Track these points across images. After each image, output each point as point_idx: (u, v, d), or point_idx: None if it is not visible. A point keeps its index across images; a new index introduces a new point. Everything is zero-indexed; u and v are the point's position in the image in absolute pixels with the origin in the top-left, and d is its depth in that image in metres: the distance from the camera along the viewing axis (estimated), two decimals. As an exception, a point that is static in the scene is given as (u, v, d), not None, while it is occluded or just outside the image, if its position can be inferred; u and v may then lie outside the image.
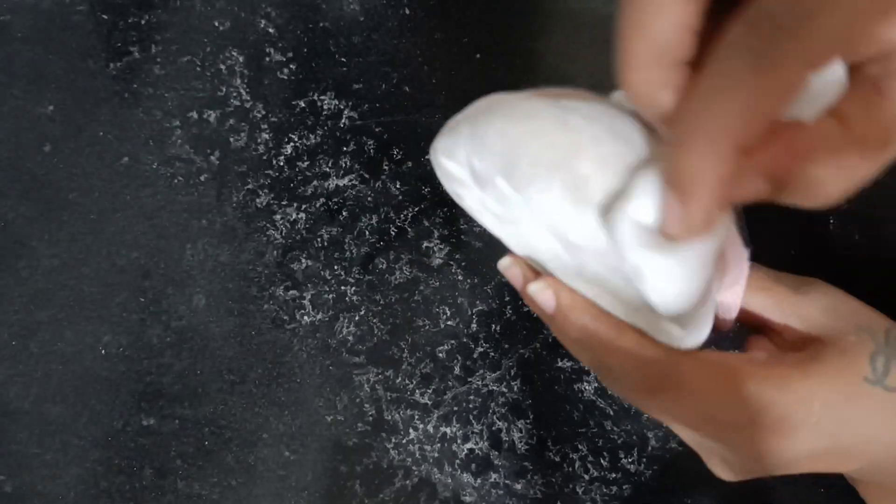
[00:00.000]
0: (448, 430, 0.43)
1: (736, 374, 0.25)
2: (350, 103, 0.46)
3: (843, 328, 0.28)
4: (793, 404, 0.25)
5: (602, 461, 0.43)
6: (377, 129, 0.46)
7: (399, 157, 0.46)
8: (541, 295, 0.26)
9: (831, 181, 0.20)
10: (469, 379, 0.44)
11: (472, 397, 0.43)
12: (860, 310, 0.29)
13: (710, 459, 0.29)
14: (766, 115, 0.17)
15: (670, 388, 0.25)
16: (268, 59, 0.47)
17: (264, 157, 0.46)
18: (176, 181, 0.45)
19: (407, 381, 0.44)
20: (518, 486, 0.43)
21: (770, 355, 0.29)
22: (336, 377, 0.44)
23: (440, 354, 0.44)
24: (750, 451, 0.26)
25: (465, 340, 0.44)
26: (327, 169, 0.46)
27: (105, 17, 0.47)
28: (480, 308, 0.44)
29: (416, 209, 0.45)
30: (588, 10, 0.48)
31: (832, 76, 0.19)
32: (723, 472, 0.29)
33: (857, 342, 0.27)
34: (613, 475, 0.43)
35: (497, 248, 0.30)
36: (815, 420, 0.26)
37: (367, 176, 0.46)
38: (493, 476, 0.43)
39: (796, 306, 0.29)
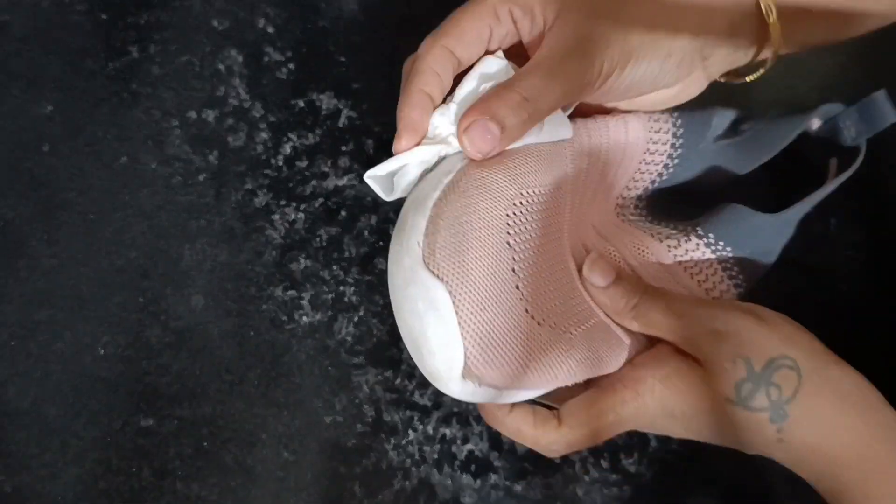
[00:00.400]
0: (448, 432, 0.43)
1: (602, 403, 0.35)
2: (349, 103, 0.46)
3: (725, 356, 0.32)
4: (635, 413, 0.34)
5: (602, 462, 0.43)
6: (376, 129, 0.46)
7: (398, 156, 0.46)
8: None
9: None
10: (468, 379, 0.43)
11: (471, 398, 0.43)
12: (758, 339, 0.33)
13: None
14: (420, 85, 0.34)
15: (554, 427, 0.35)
16: (266, 58, 0.47)
17: (263, 157, 0.46)
18: (174, 181, 0.45)
19: (406, 382, 0.44)
20: (518, 488, 0.43)
21: (663, 353, 0.35)
22: (335, 378, 0.44)
23: (439, 355, 0.44)
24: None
25: (464, 341, 0.44)
26: (326, 169, 0.46)
27: (104, 16, 0.47)
28: (480, 308, 0.44)
29: (416, 209, 0.45)
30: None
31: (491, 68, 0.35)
32: None
33: (731, 369, 0.32)
34: (614, 476, 0.43)
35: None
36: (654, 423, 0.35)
37: (366, 176, 0.45)
38: (493, 477, 0.43)
39: (696, 328, 0.34)
